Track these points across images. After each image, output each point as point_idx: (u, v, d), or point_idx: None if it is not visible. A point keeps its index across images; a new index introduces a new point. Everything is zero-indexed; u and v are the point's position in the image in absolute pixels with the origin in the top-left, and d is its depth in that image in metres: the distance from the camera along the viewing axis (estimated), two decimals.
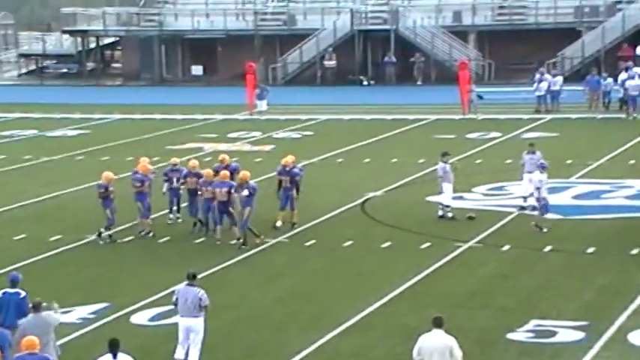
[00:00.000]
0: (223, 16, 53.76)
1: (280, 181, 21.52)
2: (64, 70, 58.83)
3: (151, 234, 20.95)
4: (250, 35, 52.93)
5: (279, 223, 21.40)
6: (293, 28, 53.16)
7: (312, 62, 52.08)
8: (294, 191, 21.39)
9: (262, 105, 40.20)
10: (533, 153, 22.94)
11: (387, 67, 51.59)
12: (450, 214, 22.12)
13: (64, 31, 58.31)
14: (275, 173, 22.26)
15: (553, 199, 22.83)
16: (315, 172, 28.44)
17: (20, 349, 11.80)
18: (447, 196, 22.14)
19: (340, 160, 30.38)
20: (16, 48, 63.17)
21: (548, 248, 19.83)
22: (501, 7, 52.38)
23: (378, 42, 52.65)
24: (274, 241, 20.67)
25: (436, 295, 16.98)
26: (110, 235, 20.70)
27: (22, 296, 13.77)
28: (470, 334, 14.87)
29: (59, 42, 61.00)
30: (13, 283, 13.94)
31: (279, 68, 52.26)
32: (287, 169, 21.52)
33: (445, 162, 22.26)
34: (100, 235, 20.66)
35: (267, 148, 32.27)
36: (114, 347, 11.77)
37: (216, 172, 21.02)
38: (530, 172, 22.40)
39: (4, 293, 13.80)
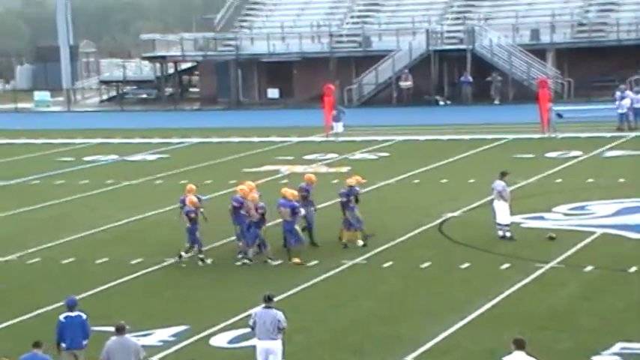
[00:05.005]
0: (299, 39, 54.17)
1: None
2: (144, 96, 59.90)
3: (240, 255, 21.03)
4: (326, 57, 53.19)
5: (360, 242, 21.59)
6: (368, 50, 53.27)
7: (387, 83, 52.08)
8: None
9: (338, 127, 40.28)
10: None
11: (464, 87, 51.30)
12: (508, 234, 21.76)
13: (144, 58, 59.43)
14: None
15: (637, 219, 22.33)
16: (392, 193, 28.32)
17: None
18: (505, 215, 21.81)
19: (417, 180, 30.20)
20: (98, 75, 64.58)
21: (633, 269, 19.34)
22: (581, 25, 51.68)
23: (454, 61, 52.41)
24: (351, 262, 20.59)
25: (517, 317, 16.68)
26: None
27: (84, 318, 14.04)
28: (553, 356, 14.56)
29: (139, 68, 62.20)
30: (71, 307, 14.15)
31: (354, 90, 52.37)
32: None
33: (504, 181, 22.00)
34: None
35: (344, 169, 32.25)
36: None
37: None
38: None
39: (66, 317, 14.01)
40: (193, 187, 22.14)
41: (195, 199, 21.16)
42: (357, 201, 21.86)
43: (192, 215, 20.78)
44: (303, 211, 20.98)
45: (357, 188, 22.09)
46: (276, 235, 21.59)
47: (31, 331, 15.71)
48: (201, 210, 21.45)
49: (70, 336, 13.88)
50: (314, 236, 21.85)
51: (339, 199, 22.18)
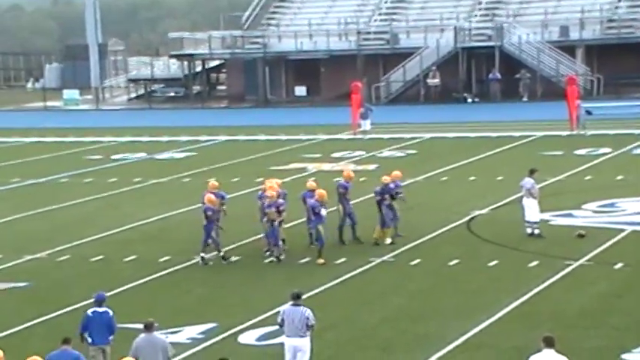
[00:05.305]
0: (326, 37, 54.16)
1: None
2: (172, 94, 60.15)
3: (267, 253, 20.98)
4: (353, 55, 53.15)
5: (388, 240, 21.54)
6: (396, 47, 53.17)
7: (415, 81, 51.96)
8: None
9: (366, 124, 40.23)
10: None
11: (492, 84, 51.08)
12: (537, 231, 21.65)
13: (172, 56, 59.66)
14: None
15: None
16: (420, 191, 28.23)
17: None
18: (534, 213, 21.68)
19: (445, 178, 30.11)
20: (126, 73, 64.92)
21: None
22: (610, 21, 51.29)
23: (483, 59, 52.20)
24: (379, 260, 20.57)
25: (546, 315, 16.59)
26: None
27: (111, 315, 14.12)
28: (582, 354, 14.47)
29: (166, 66, 62.45)
30: (100, 302, 14.23)
31: (382, 87, 52.29)
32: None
33: (533, 179, 21.91)
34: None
35: (371, 167, 32.20)
36: None
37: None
38: None
39: (93, 312, 14.11)
40: (216, 183, 22.14)
41: (213, 197, 21.05)
42: (392, 198, 21.77)
43: (209, 213, 20.74)
44: (324, 212, 20.65)
45: (392, 186, 21.99)
46: (303, 232, 21.64)
47: (61, 328, 15.82)
48: (224, 207, 21.41)
49: (97, 331, 13.96)
50: (343, 234, 21.77)
51: (367, 197, 22.14)
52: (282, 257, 20.60)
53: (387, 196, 21.74)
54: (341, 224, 21.72)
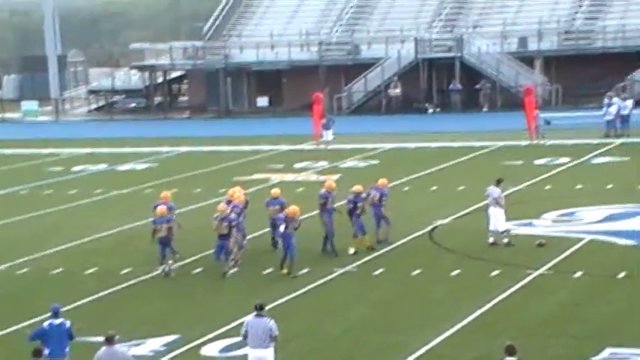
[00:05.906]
0: (288, 48, 54.23)
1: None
2: (133, 105, 59.86)
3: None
4: (315, 65, 53.27)
5: (351, 250, 21.63)
6: (357, 58, 53.38)
7: (377, 91, 52.18)
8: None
9: (328, 135, 40.32)
10: None
11: (453, 95, 51.43)
12: (505, 240, 21.81)
13: (132, 67, 59.39)
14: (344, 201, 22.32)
15: (625, 225, 22.41)
16: None
17: None
18: (501, 222, 21.84)
19: (407, 188, 30.25)
20: (86, 84, 64.49)
21: (621, 275, 19.42)
22: (567, 32, 51.91)
23: (443, 69, 52.56)
24: (342, 270, 20.61)
25: (507, 324, 16.72)
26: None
27: (68, 326, 14.05)
28: None
29: (127, 77, 62.14)
30: (56, 314, 14.13)
31: (344, 98, 52.45)
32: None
33: (500, 188, 22.09)
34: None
35: (334, 177, 32.25)
36: None
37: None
38: None
39: (50, 324, 14.01)
40: (168, 194, 22.14)
41: (165, 209, 20.96)
42: (362, 209, 21.82)
43: (170, 224, 20.62)
44: (282, 228, 20.34)
45: (363, 195, 22.10)
46: (266, 242, 21.60)
47: (21, 341, 15.65)
48: (173, 218, 21.27)
49: (55, 343, 13.82)
50: (329, 244, 21.66)
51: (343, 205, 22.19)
52: (228, 272, 20.26)
53: (359, 204, 21.85)
54: (325, 236, 21.65)
